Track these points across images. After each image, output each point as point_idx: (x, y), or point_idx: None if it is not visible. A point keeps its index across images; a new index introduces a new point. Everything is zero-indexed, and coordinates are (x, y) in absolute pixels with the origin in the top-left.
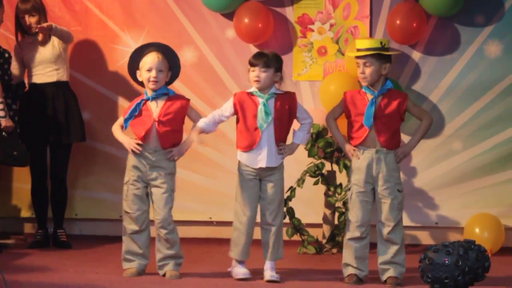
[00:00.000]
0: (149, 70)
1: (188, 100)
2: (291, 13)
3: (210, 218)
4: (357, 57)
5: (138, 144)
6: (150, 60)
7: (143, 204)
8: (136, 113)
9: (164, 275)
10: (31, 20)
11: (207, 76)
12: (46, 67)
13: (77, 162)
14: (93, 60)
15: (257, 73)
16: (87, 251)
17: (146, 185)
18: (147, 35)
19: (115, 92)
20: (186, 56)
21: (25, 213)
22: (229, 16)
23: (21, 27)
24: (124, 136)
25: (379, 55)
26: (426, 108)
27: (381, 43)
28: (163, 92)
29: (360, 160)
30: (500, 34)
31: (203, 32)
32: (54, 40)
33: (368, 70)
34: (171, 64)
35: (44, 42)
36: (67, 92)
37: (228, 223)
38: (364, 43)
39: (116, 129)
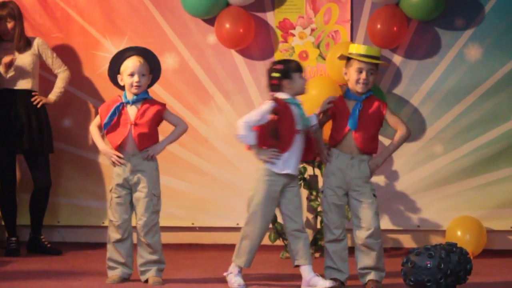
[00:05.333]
0: (131, 75)
1: (164, 105)
2: (272, 18)
3: (193, 224)
4: (366, 63)
5: (118, 156)
6: (132, 64)
7: (125, 212)
8: (115, 116)
9: (146, 281)
10: (7, 25)
11: (189, 81)
12: (26, 74)
13: (58, 169)
14: (74, 67)
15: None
16: (69, 258)
17: (129, 192)
18: (128, 42)
19: (97, 98)
20: (167, 62)
21: None
22: (211, 21)
23: None
24: (104, 144)
25: (377, 65)
26: (407, 112)
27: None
28: (143, 96)
29: (334, 164)
30: (480, 38)
31: (184, 38)
32: (37, 49)
33: (371, 78)
34: (152, 66)
35: (22, 49)
36: (33, 102)
37: (211, 229)
38: (375, 50)
39: (95, 132)
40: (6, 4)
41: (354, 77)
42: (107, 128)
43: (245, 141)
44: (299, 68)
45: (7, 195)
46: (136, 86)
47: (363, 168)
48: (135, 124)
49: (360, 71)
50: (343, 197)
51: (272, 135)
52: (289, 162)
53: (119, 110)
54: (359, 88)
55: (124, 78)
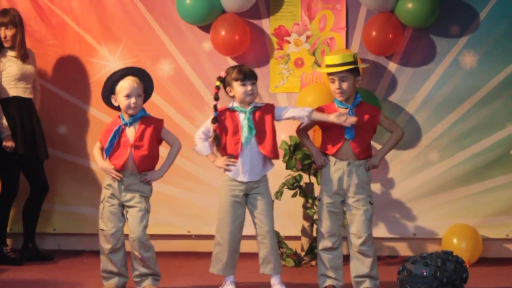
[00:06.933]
0: (128, 96)
1: (161, 120)
2: (267, 25)
3: (189, 231)
4: (333, 72)
5: (117, 170)
6: (128, 85)
7: (119, 221)
8: (115, 140)
9: None
10: (7, 33)
11: (184, 88)
12: (28, 83)
13: (54, 176)
14: (70, 74)
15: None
16: (65, 266)
17: (122, 204)
18: (124, 49)
19: (92, 105)
20: (163, 69)
21: None
22: (206, 28)
23: None
24: (103, 161)
25: (353, 69)
26: (402, 119)
27: (353, 56)
28: (140, 115)
29: (331, 171)
30: (475, 45)
31: (180, 45)
32: (31, 59)
33: (345, 85)
34: (146, 86)
35: (25, 58)
36: (35, 110)
37: (207, 237)
38: (338, 58)
39: (96, 153)
40: (7, 11)
41: (331, 88)
42: (109, 153)
43: (200, 152)
44: (239, 76)
45: (9, 202)
46: (133, 107)
47: (360, 173)
48: (135, 146)
49: (332, 81)
50: (340, 204)
51: (214, 143)
52: (243, 169)
53: (119, 133)
54: (338, 97)
55: (120, 99)
